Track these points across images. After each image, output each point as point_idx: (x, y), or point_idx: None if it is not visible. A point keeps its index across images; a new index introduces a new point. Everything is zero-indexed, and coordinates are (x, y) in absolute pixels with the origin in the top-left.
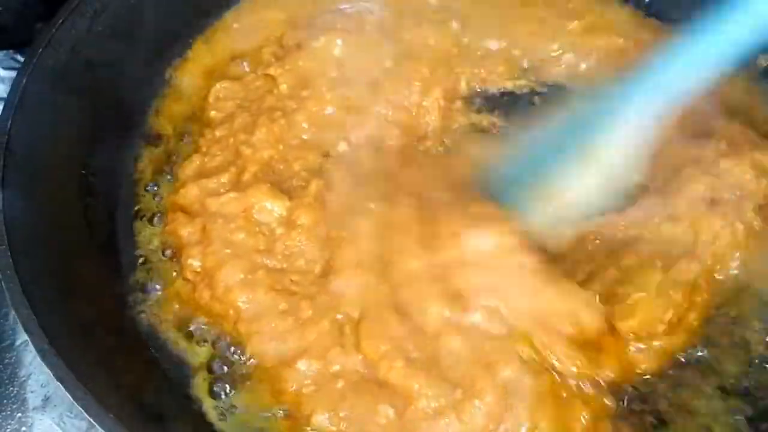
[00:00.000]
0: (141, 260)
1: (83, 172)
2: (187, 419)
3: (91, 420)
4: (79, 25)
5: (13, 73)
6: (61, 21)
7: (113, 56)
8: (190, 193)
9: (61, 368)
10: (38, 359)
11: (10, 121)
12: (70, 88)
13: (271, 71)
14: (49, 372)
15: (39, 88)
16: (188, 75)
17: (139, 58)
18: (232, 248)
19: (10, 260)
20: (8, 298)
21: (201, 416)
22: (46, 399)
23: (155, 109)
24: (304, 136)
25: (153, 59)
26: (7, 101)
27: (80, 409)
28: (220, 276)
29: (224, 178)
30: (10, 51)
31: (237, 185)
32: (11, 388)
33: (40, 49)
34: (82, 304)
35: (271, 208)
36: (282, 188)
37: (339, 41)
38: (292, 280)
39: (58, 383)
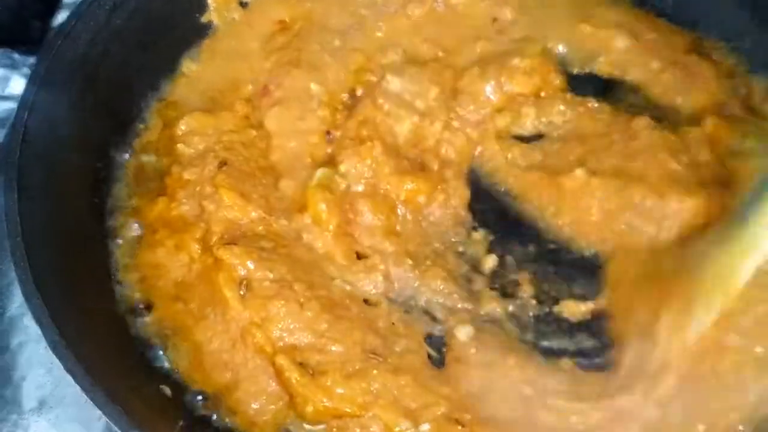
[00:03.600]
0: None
1: (99, 165)
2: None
3: (100, 411)
4: (99, 18)
5: (8, 71)
6: (81, 13)
7: (129, 49)
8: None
9: (71, 360)
10: (33, 361)
11: (27, 112)
12: (87, 80)
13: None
14: (59, 364)
15: (57, 80)
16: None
17: (154, 51)
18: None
19: (24, 252)
20: (21, 290)
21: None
22: (42, 401)
23: (165, 100)
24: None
25: (167, 52)
26: (25, 93)
27: (89, 400)
28: None
29: (192, 240)
30: (6, 49)
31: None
32: (6, 391)
33: (59, 41)
34: (86, 298)
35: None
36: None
37: None
38: None
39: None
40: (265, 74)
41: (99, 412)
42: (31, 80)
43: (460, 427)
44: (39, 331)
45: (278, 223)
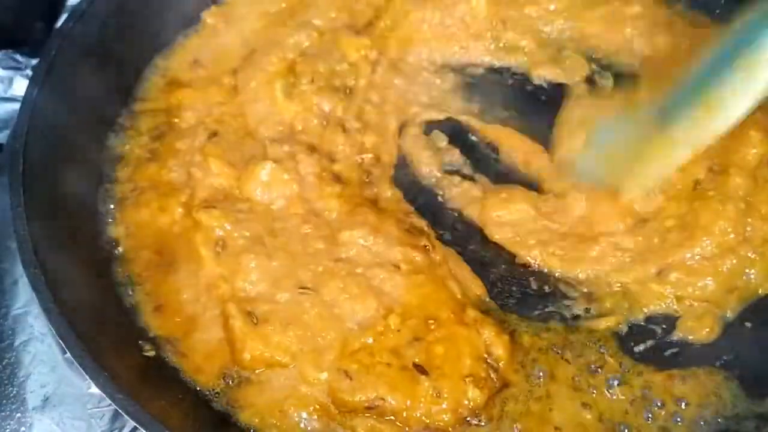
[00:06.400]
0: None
1: (100, 132)
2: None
3: (86, 376)
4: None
5: (12, 73)
6: None
7: (142, 27)
8: (143, 212)
9: (64, 326)
10: (37, 359)
11: (37, 89)
12: (99, 60)
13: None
14: (63, 363)
15: (69, 59)
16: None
17: (160, 30)
18: None
19: (25, 223)
20: (20, 259)
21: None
22: (46, 399)
23: (165, 75)
24: None
25: (170, 30)
26: (35, 71)
27: (77, 365)
28: None
29: (176, 204)
30: (9, 51)
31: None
32: (10, 389)
33: (71, 23)
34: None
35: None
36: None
37: None
38: None
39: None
40: (254, 37)
41: (101, 410)
42: (44, 57)
43: None
44: (43, 330)
45: None
